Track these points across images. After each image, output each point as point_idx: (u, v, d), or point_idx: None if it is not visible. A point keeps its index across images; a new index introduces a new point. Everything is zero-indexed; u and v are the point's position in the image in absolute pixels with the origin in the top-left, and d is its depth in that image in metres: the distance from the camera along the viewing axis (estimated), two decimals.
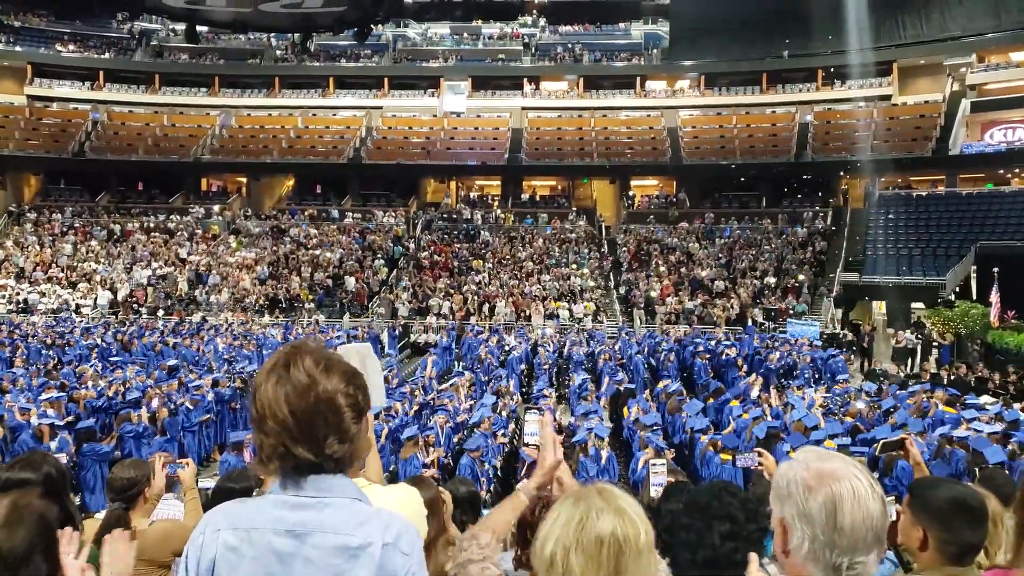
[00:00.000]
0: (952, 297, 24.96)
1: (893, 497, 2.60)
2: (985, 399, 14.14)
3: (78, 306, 28.57)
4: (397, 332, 24.97)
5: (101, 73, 42.72)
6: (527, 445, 2.68)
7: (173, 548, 3.41)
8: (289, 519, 1.61)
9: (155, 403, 11.76)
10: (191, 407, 12.54)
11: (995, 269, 22.68)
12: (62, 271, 30.88)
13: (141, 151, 39.58)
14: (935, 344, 22.01)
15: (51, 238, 33.59)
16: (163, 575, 3.51)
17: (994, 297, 22.17)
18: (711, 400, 14.08)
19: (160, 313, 27.95)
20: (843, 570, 1.50)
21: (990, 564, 2.41)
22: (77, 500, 8.84)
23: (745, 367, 18.14)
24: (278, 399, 1.61)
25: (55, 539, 1.89)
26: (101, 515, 3.57)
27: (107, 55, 43.95)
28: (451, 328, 24.61)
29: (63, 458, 9.74)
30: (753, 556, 1.79)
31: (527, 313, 27.47)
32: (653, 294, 28.42)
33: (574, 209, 37.50)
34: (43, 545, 1.81)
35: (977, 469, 7.51)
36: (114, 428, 10.96)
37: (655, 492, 3.07)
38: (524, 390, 17.77)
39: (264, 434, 1.62)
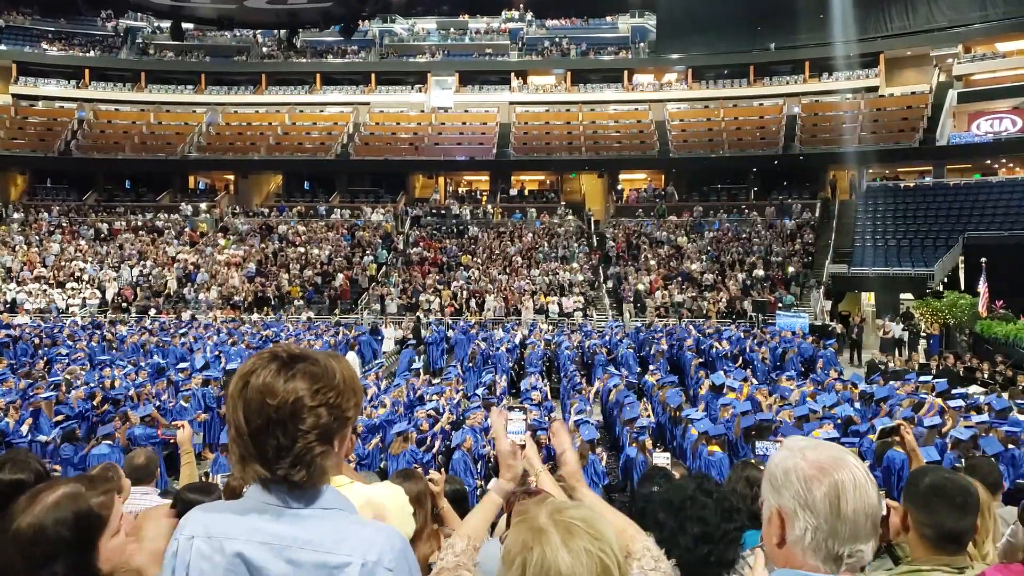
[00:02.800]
0: (940, 287, 25.09)
1: (883, 491, 2.60)
2: (974, 389, 14.26)
3: (67, 306, 28.38)
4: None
5: (87, 71, 42.42)
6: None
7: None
8: (266, 530, 1.53)
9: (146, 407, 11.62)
10: (185, 404, 12.51)
11: (983, 259, 22.77)
12: (49, 270, 30.66)
13: (128, 149, 39.32)
14: (923, 335, 22.13)
15: (38, 237, 33.33)
16: None
17: (982, 287, 22.27)
18: (702, 391, 14.13)
19: (152, 312, 27.79)
20: (843, 559, 1.50)
21: (979, 553, 2.41)
22: None
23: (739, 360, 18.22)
24: (236, 410, 1.55)
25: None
26: None
27: (92, 53, 43.62)
28: (439, 325, 24.55)
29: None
30: (759, 552, 1.77)
31: (517, 308, 27.46)
32: (642, 287, 28.44)
33: (563, 203, 37.49)
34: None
35: (963, 459, 7.56)
36: (96, 432, 10.88)
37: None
38: (513, 389, 17.78)
39: (231, 441, 1.58)
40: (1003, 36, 35.65)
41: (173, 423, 4.22)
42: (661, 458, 3.06)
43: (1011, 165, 34.10)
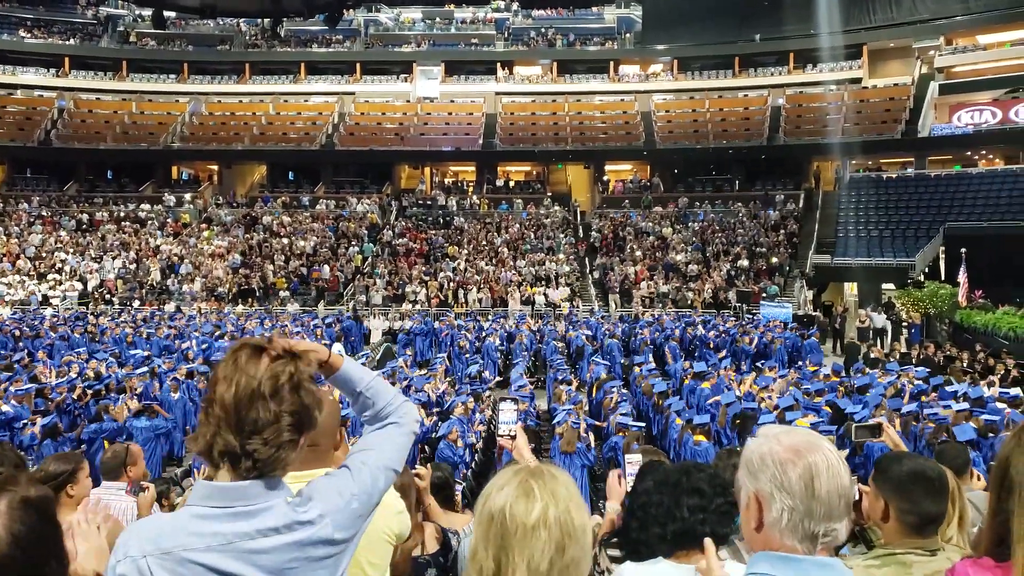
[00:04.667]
0: (921, 278, 25.36)
1: (856, 477, 2.67)
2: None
3: (46, 297, 28.12)
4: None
5: (66, 59, 41.86)
6: (502, 435, 2.70)
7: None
8: (224, 532, 1.51)
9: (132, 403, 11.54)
10: (173, 394, 12.50)
11: (963, 250, 23.04)
12: (30, 262, 30.35)
13: (109, 139, 38.90)
14: (904, 324, 22.38)
15: (18, 228, 32.96)
16: None
17: (962, 277, 22.54)
18: (686, 381, 14.25)
19: (135, 304, 27.61)
20: (819, 538, 1.55)
21: (941, 537, 2.47)
22: None
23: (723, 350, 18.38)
24: (223, 382, 1.56)
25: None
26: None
27: (72, 41, 43.07)
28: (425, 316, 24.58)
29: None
30: (708, 543, 1.83)
31: (504, 299, 27.51)
32: (631, 275, 28.57)
33: (549, 194, 37.52)
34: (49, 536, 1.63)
35: (931, 445, 7.70)
36: (78, 423, 10.85)
37: (630, 487, 3.08)
38: (501, 377, 17.85)
39: (207, 413, 1.57)
40: (984, 29, 35.98)
41: (141, 483, 4.11)
42: (634, 457, 3.09)
43: (990, 157, 34.47)
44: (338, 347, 19.47)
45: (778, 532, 1.57)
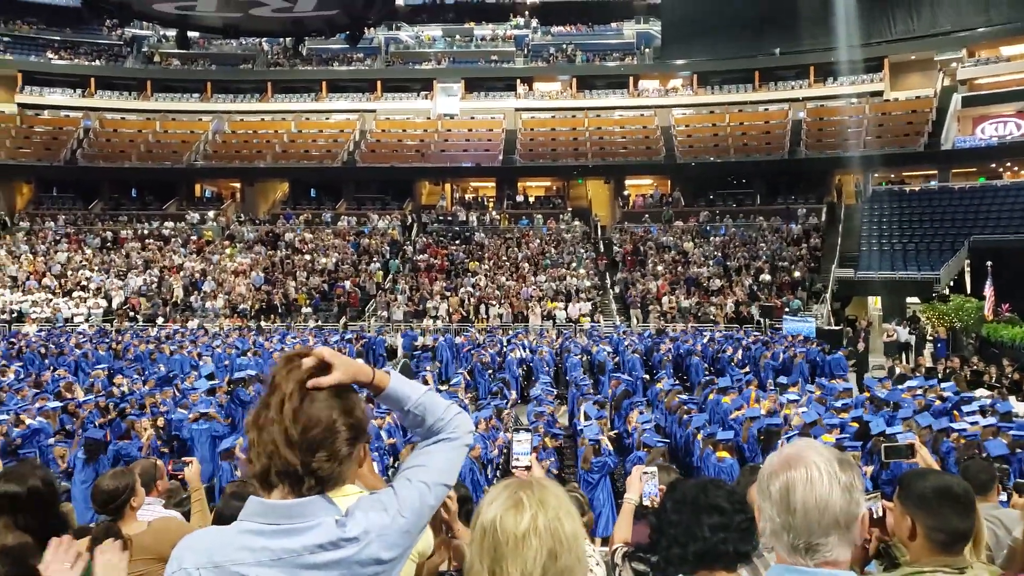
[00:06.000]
0: (946, 291, 25.03)
1: (878, 494, 2.63)
2: (981, 392, 14.21)
3: (72, 315, 28.47)
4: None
5: (92, 80, 42.62)
6: (516, 468, 2.71)
7: (172, 542, 3.37)
8: (272, 548, 1.52)
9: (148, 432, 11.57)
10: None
11: (988, 263, 22.73)
12: (55, 280, 30.78)
13: (134, 158, 39.49)
14: (929, 338, 22.07)
15: (44, 247, 33.48)
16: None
17: (988, 291, 22.22)
18: (710, 397, 14.11)
19: (159, 321, 27.88)
20: (803, 551, 1.56)
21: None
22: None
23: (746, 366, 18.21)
24: (292, 397, 1.56)
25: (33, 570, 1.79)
26: None
27: (98, 62, 43.85)
28: (446, 333, 24.61)
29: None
30: None
31: (524, 314, 27.48)
32: (652, 290, 28.44)
33: (569, 209, 37.53)
34: None
35: (959, 461, 7.56)
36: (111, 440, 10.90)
37: (648, 501, 3.09)
38: (524, 392, 17.79)
39: (259, 436, 1.57)
40: (1007, 40, 35.62)
41: (182, 459, 4.26)
42: (650, 473, 3.11)
43: (1016, 168, 34.01)
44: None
45: (768, 540, 1.63)
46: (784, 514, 1.57)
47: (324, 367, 1.61)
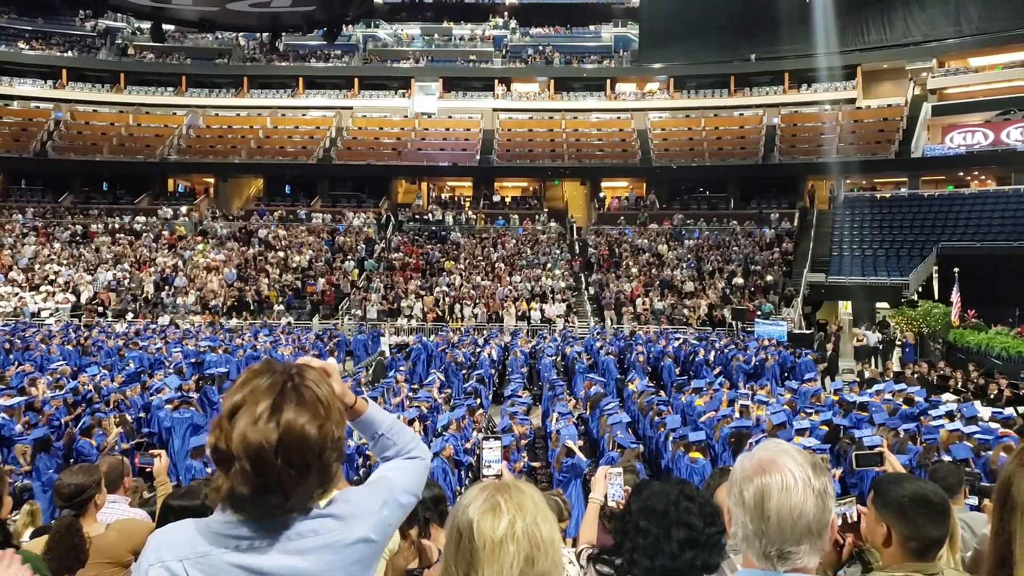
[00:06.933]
0: (915, 297, 25.43)
1: (852, 499, 2.64)
2: (947, 397, 14.47)
3: (39, 310, 27.96)
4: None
5: (64, 71, 41.95)
6: (486, 476, 2.69)
7: (133, 546, 3.34)
8: (259, 535, 1.47)
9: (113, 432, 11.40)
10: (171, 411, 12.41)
11: (955, 269, 23.15)
12: (23, 273, 30.21)
13: (106, 151, 38.90)
14: (898, 343, 22.41)
15: (11, 240, 32.85)
16: (124, 575, 3.44)
17: (955, 297, 22.64)
18: (683, 399, 14.22)
19: (128, 316, 27.48)
20: (774, 559, 1.55)
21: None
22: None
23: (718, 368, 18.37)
24: (267, 448, 1.45)
25: None
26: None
27: (70, 53, 43.17)
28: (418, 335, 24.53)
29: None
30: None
31: (499, 314, 27.48)
32: (626, 291, 28.58)
33: (545, 210, 37.61)
34: None
35: (928, 464, 7.69)
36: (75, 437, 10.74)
37: (613, 503, 3.09)
38: (496, 390, 17.78)
39: (230, 465, 1.46)
40: (976, 51, 36.34)
41: (150, 452, 4.22)
42: (615, 474, 3.12)
43: (983, 177, 34.70)
44: (332, 361, 19.37)
45: (740, 546, 1.60)
46: (758, 521, 1.54)
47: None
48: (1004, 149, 32.76)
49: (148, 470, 3.97)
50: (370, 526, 1.58)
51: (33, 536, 4.15)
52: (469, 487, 1.65)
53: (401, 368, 18.56)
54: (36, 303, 28.34)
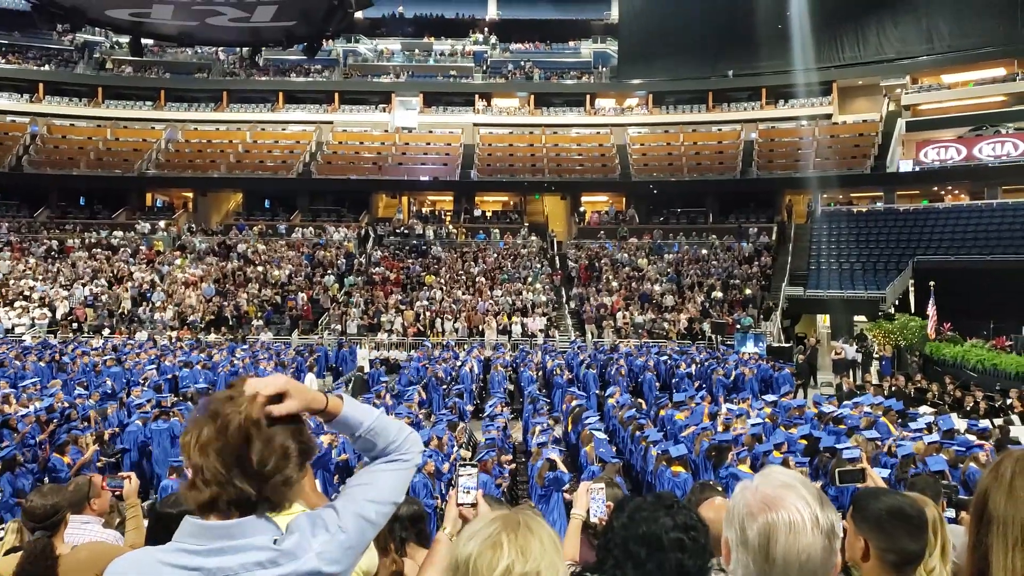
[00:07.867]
0: (892, 310, 25.72)
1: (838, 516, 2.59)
2: (924, 409, 14.63)
3: (13, 326, 27.54)
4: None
5: (41, 85, 41.58)
6: (462, 504, 2.62)
7: (99, 570, 3.28)
8: (211, 567, 1.49)
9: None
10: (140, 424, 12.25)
11: (931, 283, 23.45)
12: None
13: (83, 165, 38.54)
14: (876, 356, 22.63)
15: None
16: None
17: (931, 310, 22.92)
18: (662, 413, 14.25)
19: (105, 332, 27.13)
20: None
21: (924, 568, 2.46)
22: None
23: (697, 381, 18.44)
24: (246, 426, 1.53)
25: None
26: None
27: (47, 67, 42.79)
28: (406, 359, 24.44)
29: None
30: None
31: (480, 329, 27.45)
32: (607, 305, 28.66)
33: (526, 225, 37.70)
34: None
35: (907, 477, 7.76)
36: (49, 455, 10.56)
37: (595, 519, 3.06)
38: (478, 403, 17.74)
39: (204, 465, 1.52)
40: (948, 68, 37.03)
41: (119, 474, 4.19)
42: (598, 490, 3.09)
43: (956, 192, 35.26)
44: (310, 377, 19.27)
45: None
46: (761, 563, 1.45)
47: (279, 396, 1.58)
48: (976, 164, 33.32)
49: (117, 493, 3.90)
50: (322, 557, 1.55)
51: (6, 554, 4.06)
52: (480, 517, 1.62)
53: (384, 382, 18.48)
54: (11, 319, 27.92)
